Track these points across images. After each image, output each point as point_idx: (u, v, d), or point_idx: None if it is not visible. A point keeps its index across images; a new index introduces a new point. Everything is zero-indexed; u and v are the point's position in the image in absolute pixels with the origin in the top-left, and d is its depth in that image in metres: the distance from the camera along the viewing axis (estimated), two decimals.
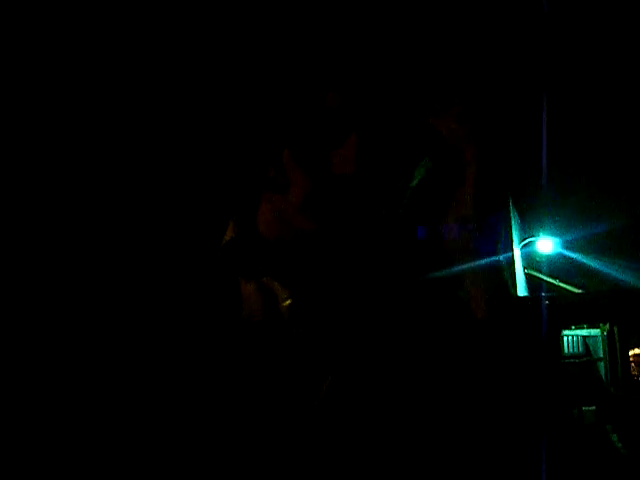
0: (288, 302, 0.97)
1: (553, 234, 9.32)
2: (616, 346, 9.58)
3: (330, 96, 0.95)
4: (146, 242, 1.04)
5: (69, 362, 0.92)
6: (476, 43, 1.00)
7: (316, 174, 0.94)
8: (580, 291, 9.94)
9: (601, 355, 9.57)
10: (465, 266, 0.94)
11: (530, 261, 9.00)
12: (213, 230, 1.01)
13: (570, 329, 9.09)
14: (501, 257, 0.97)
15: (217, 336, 0.91)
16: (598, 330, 9.80)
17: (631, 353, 9.34)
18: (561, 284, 9.73)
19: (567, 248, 9.47)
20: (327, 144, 0.94)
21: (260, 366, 0.90)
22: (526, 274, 8.90)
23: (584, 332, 9.70)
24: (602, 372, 9.22)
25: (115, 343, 0.93)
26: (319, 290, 0.97)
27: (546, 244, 9.24)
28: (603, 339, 9.64)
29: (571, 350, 8.91)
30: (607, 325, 9.79)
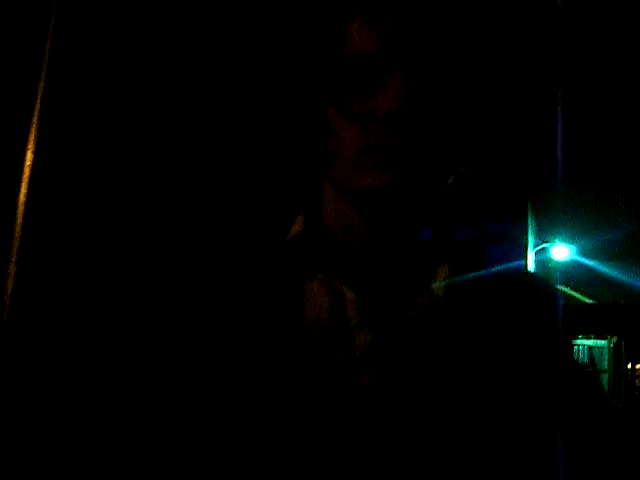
0: (355, 305, 0.90)
1: (568, 240, 9.23)
2: (622, 359, 9.52)
3: (359, 32, 0.87)
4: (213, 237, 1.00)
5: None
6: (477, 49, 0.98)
7: (364, 120, 0.86)
8: (591, 301, 9.86)
9: (606, 367, 9.53)
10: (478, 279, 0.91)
11: (543, 267, 8.93)
12: (281, 222, 0.98)
13: (577, 338, 9.03)
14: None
15: (276, 337, 0.88)
16: (605, 341, 9.74)
17: (638, 367, 9.27)
18: (573, 292, 9.65)
19: (582, 255, 9.37)
20: (368, 88, 0.87)
21: (317, 370, 0.86)
22: None
23: (590, 342, 9.65)
24: (605, 384, 9.16)
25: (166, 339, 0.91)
26: (385, 292, 0.91)
27: (560, 250, 9.17)
28: (609, 351, 9.59)
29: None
30: (615, 337, 9.73)
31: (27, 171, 1.49)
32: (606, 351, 9.52)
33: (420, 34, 0.88)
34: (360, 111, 0.87)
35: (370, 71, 0.87)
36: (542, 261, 8.84)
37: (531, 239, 8.44)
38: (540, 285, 0.94)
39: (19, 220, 1.46)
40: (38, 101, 1.48)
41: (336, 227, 0.93)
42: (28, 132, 1.51)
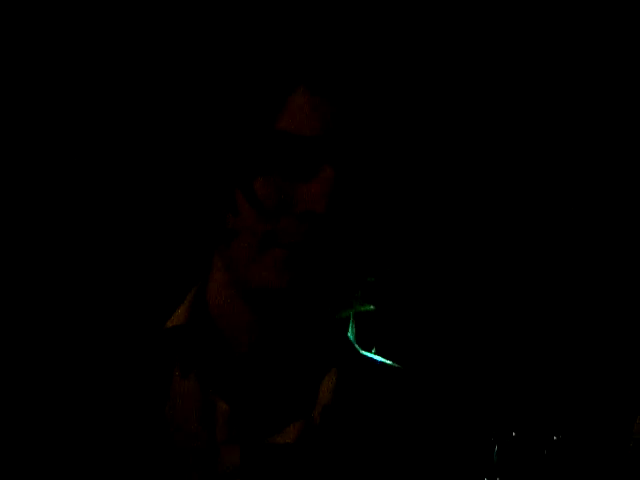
0: (226, 419, 0.81)
1: None
2: None
3: (302, 108, 0.76)
4: None
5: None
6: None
7: (273, 209, 0.76)
8: None
9: None
10: None
11: None
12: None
13: None
14: None
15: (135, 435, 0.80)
16: None
17: None
18: None
19: None
20: (290, 175, 0.76)
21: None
22: None
23: None
24: None
25: None
26: (263, 410, 0.81)
27: None
28: None
29: None
30: None
31: None
32: None
33: (360, 127, 0.78)
34: (271, 197, 0.77)
35: (300, 157, 0.76)
36: None
37: None
38: None
39: None
40: None
41: (223, 320, 0.84)
42: None
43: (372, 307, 0.88)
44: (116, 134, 1.44)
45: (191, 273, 0.88)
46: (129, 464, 0.79)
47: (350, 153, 0.77)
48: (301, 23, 0.79)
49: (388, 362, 0.88)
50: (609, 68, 1.87)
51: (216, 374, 0.82)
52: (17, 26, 1.56)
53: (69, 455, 0.80)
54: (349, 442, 0.81)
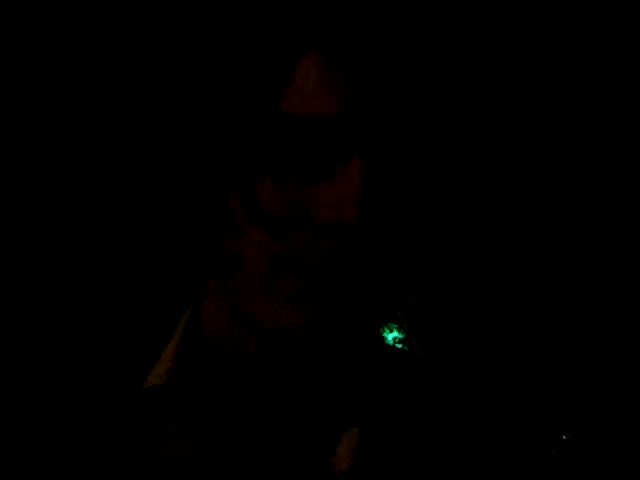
0: None
1: None
2: None
3: (311, 81, 0.55)
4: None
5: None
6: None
7: (283, 222, 0.57)
8: None
9: None
10: None
11: None
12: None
13: None
14: None
15: None
16: None
17: None
18: None
19: None
20: (307, 176, 0.57)
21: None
22: None
23: None
24: None
25: None
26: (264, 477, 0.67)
27: None
28: None
29: None
30: None
31: None
32: None
33: (392, 103, 0.57)
34: (279, 204, 0.58)
35: (315, 147, 0.57)
36: None
37: None
38: None
39: None
40: None
41: (223, 365, 0.67)
42: None
43: (404, 335, 0.72)
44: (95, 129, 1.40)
45: (178, 306, 0.70)
46: None
47: (381, 139, 0.57)
48: None
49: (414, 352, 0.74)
50: (609, 68, 1.77)
51: (211, 435, 0.66)
52: (17, 26, 1.51)
53: None
54: None
